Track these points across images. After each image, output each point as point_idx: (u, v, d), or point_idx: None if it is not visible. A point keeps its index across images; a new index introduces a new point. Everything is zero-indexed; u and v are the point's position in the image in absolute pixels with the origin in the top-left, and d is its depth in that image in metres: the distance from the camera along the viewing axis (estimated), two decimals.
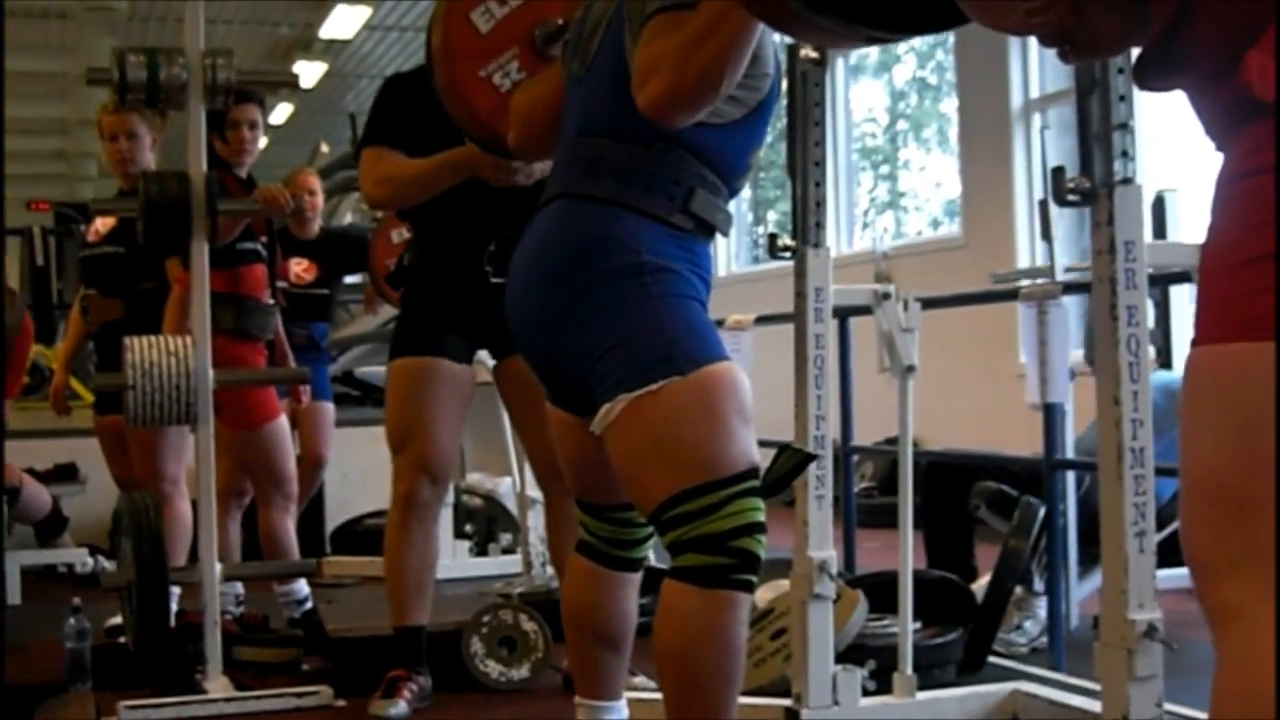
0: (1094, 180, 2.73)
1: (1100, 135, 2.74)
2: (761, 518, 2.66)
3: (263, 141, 5.59)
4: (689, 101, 2.69)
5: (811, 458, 2.85)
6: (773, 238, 3.80)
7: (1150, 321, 2.77)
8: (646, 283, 2.75)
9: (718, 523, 2.62)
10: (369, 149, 4.27)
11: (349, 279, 7.84)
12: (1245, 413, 1.57)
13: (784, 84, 2.92)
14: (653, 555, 3.35)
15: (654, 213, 2.81)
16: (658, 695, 3.96)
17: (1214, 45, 1.62)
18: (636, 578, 3.23)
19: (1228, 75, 1.60)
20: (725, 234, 2.98)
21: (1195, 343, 1.65)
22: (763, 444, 2.90)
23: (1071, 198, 2.73)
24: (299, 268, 6.67)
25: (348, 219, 10.36)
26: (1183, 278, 4.87)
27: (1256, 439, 1.56)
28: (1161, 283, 5.07)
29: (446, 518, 7.22)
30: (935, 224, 12.02)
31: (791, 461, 2.78)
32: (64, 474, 8.33)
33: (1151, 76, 1.72)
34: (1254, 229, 1.59)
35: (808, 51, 3.64)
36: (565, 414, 2.99)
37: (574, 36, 3.01)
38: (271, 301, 5.39)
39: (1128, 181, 2.72)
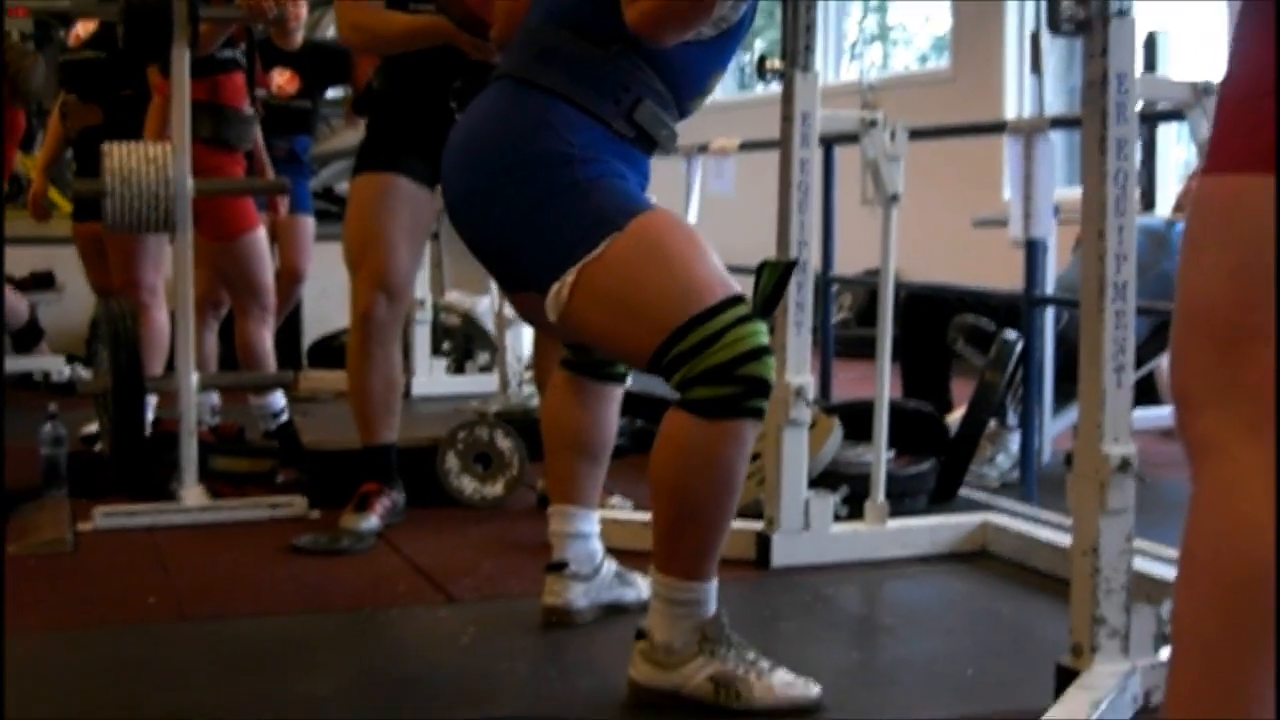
0: (1090, 10, 2.69)
1: None
2: (764, 340, 2.65)
3: None
4: (681, 21, 2.71)
5: (792, 265, 2.84)
6: (762, 59, 3.76)
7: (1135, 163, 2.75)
8: (574, 171, 2.75)
9: (720, 353, 2.61)
10: None
11: (331, 92, 7.75)
12: (1246, 246, 1.55)
13: None
14: (630, 379, 3.35)
15: (597, 112, 2.81)
16: (633, 516, 4.02)
17: None
18: (619, 391, 3.26)
19: None
20: (668, 152, 2.98)
21: (1205, 171, 1.62)
22: (745, 271, 2.90)
23: (1066, 27, 2.69)
24: (281, 79, 6.59)
25: (330, 32, 10.21)
26: (1171, 116, 4.84)
27: (1254, 274, 1.54)
28: (1150, 121, 5.02)
29: (424, 335, 7.24)
30: (923, 59, 11.91)
31: (775, 275, 2.77)
32: (41, 282, 8.31)
33: None
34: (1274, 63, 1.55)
35: None
36: (509, 291, 3.00)
37: None
38: (250, 111, 5.33)
39: (1123, 14, 2.68)
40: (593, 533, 3.33)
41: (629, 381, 3.34)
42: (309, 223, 6.86)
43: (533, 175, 2.76)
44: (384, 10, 4.16)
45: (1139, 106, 2.68)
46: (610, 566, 3.38)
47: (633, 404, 3.33)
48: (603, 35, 2.81)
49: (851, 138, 4.43)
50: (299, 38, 6.54)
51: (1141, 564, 2.98)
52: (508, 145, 2.80)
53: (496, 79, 2.94)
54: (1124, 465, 2.64)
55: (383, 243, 4.15)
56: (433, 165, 4.16)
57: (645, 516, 3.95)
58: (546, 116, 2.79)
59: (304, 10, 5.49)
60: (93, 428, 5.29)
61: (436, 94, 4.05)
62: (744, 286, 2.71)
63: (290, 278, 6.70)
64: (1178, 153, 7.61)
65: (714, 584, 2.77)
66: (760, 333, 2.65)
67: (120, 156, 4.41)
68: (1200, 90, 3.02)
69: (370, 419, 4.25)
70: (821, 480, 4.08)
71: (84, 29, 5.53)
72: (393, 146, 4.21)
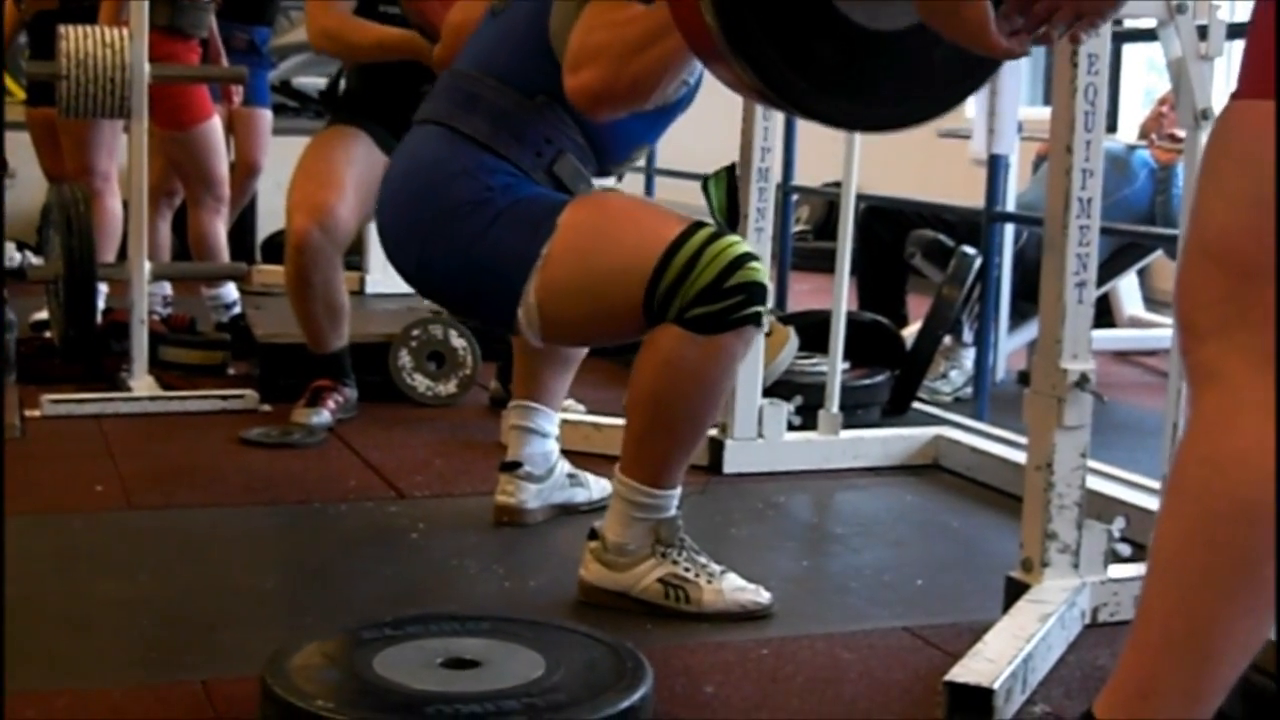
0: None
1: None
2: (744, 247, 2.64)
3: None
4: (618, 101, 2.68)
5: (732, 168, 2.83)
6: None
7: None
8: (494, 206, 2.74)
9: (705, 273, 2.59)
10: None
11: None
12: (1267, 175, 1.50)
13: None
14: None
15: (517, 163, 2.80)
16: (585, 418, 4.02)
17: None
18: None
19: None
20: None
21: (1234, 95, 1.57)
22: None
23: None
24: None
25: None
26: (1139, 36, 4.82)
27: (1273, 208, 1.51)
28: (1117, 40, 5.00)
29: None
30: None
31: (722, 185, 2.77)
32: None
33: None
34: None
35: None
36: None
37: None
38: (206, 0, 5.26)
39: None
40: (551, 433, 3.32)
41: None
42: (266, 115, 6.76)
43: (458, 225, 2.76)
44: (356, 20, 4.18)
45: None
46: (564, 467, 3.37)
47: None
48: (528, 87, 2.81)
49: None
50: None
51: (1094, 482, 2.99)
52: (429, 197, 2.81)
53: (420, 123, 2.94)
54: (1082, 381, 2.64)
55: (328, 178, 4.09)
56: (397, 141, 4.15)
57: (598, 419, 3.95)
58: (466, 166, 2.79)
59: None
60: (42, 314, 5.24)
61: (406, 97, 3.99)
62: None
63: (246, 170, 6.61)
64: (1143, 78, 7.60)
65: (677, 491, 2.76)
66: (737, 241, 2.63)
67: (76, 40, 4.34)
68: (1174, 7, 2.99)
69: (316, 335, 4.22)
70: (776, 389, 4.07)
71: None
72: (361, 110, 4.24)
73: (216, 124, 5.36)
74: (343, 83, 4.54)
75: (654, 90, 2.65)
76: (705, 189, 2.78)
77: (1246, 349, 1.53)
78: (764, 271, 2.66)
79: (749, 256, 2.62)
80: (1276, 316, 1.50)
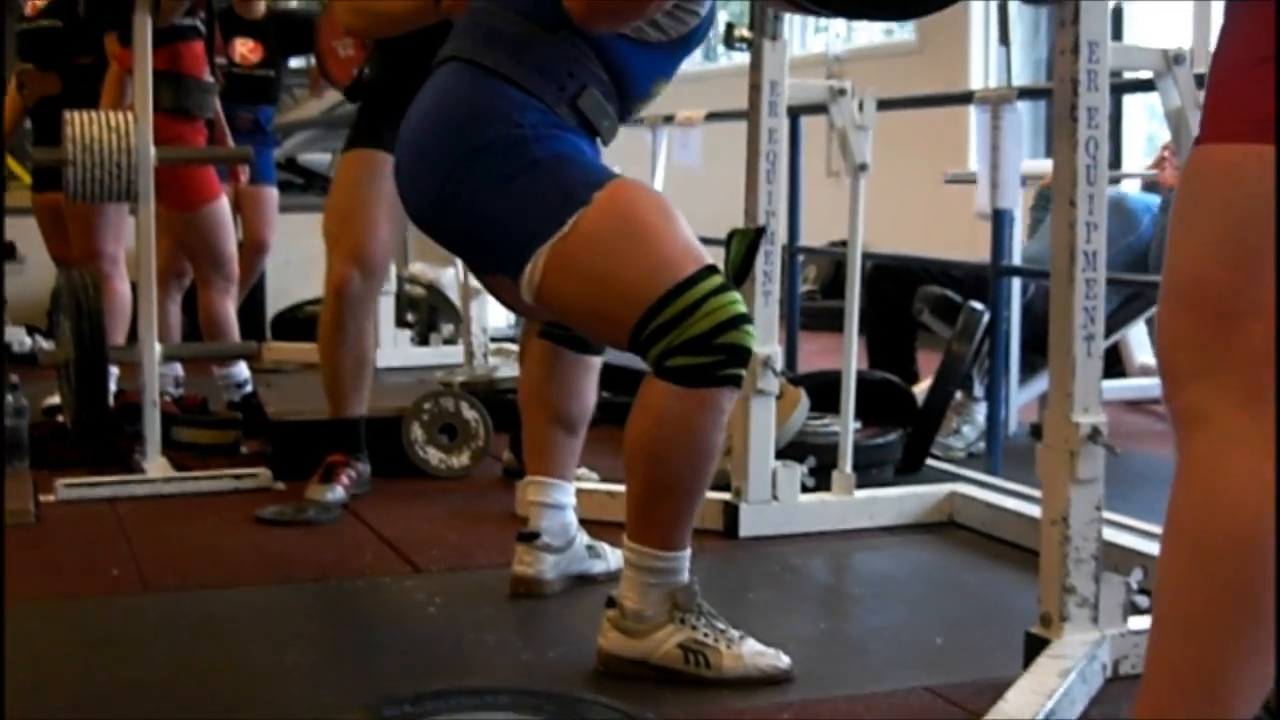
0: None
1: None
2: (742, 309, 2.64)
3: None
4: (612, 13, 2.68)
5: (761, 231, 2.85)
6: (729, 27, 3.75)
7: None
8: (531, 150, 2.73)
9: (700, 323, 2.60)
10: None
11: (294, 62, 7.70)
12: (1237, 216, 1.53)
13: None
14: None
15: (540, 96, 2.77)
16: (599, 486, 4.01)
17: None
18: (597, 362, 3.25)
19: None
20: (606, 143, 2.94)
21: (1198, 141, 1.60)
22: (713, 242, 2.88)
23: None
24: (244, 48, 6.53)
25: (293, 2, 10.16)
26: (1137, 87, 4.83)
27: (1245, 245, 1.53)
28: (1116, 92, 5.00)
29: (389, 307, 7.21)
30: (889, 32, 11.88)
31: (744, 243, 2.77)
32: (1, 253, 8.22)
33: None
34: (1272, 29, 1.53)
35: None
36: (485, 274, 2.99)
37: None
38: (211, 80, 5.29)
39: None
40: (568, 504, 3.31)
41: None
42: (273, 193, 6.81)
43: (490, 162, 2.73)
44: None
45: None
46: (582, 539, 3.37)
47: (600, 376, 3.31)
48: (550, 20, 2.78)
49: (817, 108, 4.41)
50: (261, 6, 6.51)
51: (1110, 534, 2.98)
52: (458, 134, 2.77)
53: (440, 63, 2.92)
54: (1094, 434, 2.64)
55: (362, 218, 4.12)
56: None
57: (611, 487, 3.94)
58: (494, 101, 2.76)
59: None
60: (55, 399, 5.25)
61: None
62: (713, 258, 2.70)
63: (254, 248, 6.65)
64: (1142, 126, 7.62)
65: (687, 553, 2.76)
66: (738, 301, 2.64)
67: (82, 125, 4.36)
68: (1171, 58, 3.01)
69: (339, 393, 4.22)
70: (788, 451, 4.07)
71: None
72: (380, 123, 4.17)
73: (224, 204, 5.38)
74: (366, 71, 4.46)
75: (649, 1, 2.66)
76: (728, 241, 2.79)
77: (1229, 389, 1.54)
78: (753, 336, 2.67)
79: (744, 319, 2.64)
80: (1277, 352, 1.51)
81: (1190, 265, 1.58)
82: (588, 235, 2.67)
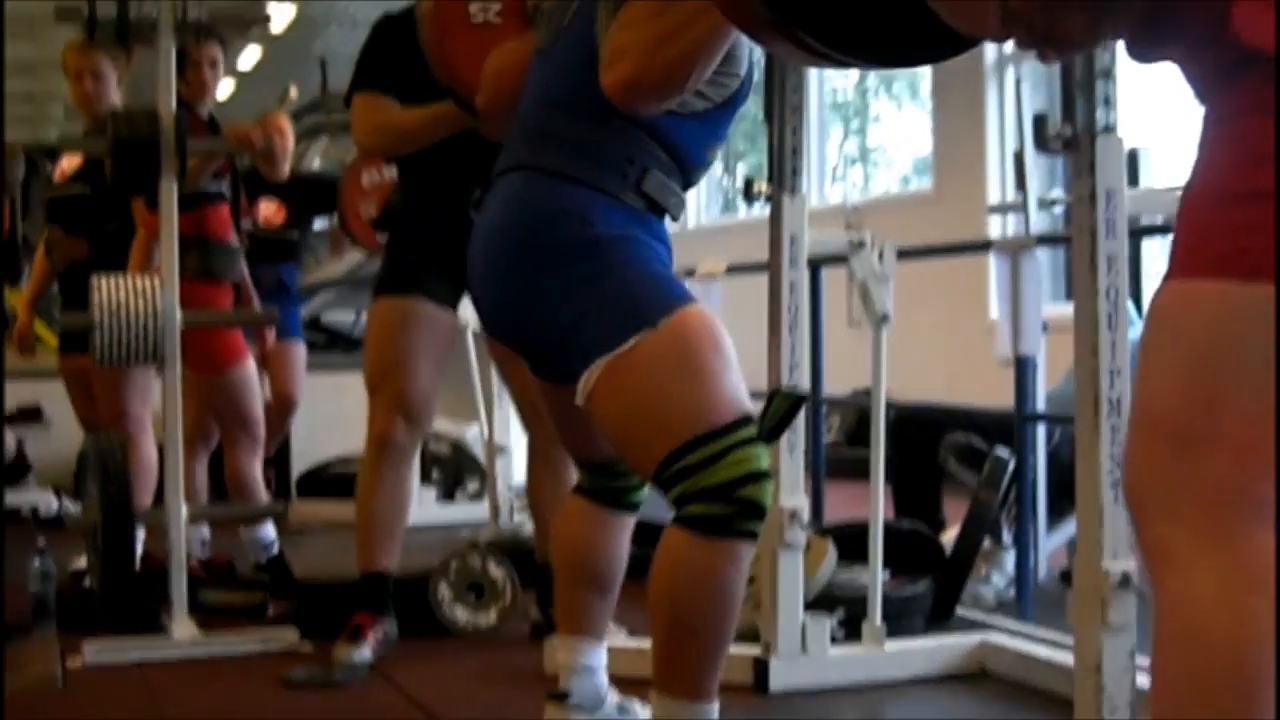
0: (1076, 127, 2.71)
1: (1083, 82, 2.72)
2: (764, 465, 2.65)
3: (226, 83, 5.53)
4: (653, 91, 2.70)
5: (803, 399, 2.84)
6: (749, 182, 3.78)
7: None
8: (605, 253, 2.76)
9: (721, 473, 2.61)
10: (361, 95, 4.23)
11: (317, 224, 7.80)
12: (1201, 351, 1.58)
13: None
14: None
15: (605, 188, 2.80)
16: (628, 643, 3.98)
17: (1200, 14, 1.63)
18: (631, 520, 3.22)
19: (1215, 40, 1.59)
20: (675, 218, 2.98)
21: (1165, 277, 1.65)
22: None
23: (1054, 145, 2.71)
24: (269, 210, 6.62)
25: (315, 164, 10.30)
26: (1157, 230, 4.87)
27: (1209, 379, 1.57)
28: (1134, 236, 5.05)
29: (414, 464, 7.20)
30: (905, 181, 12.00)
31: (785, 405, 2.77)
32: (28, 416, 8.28)
33: (1142, 50, 1.74)
34: (1241, 167, 1.58)
35: None
36: (546, 382, 2.99)
37: (547, 7, 3.00)
38: (237, 243, 5.34)
39: (1110, 129, 2.71)
40: (600, 666, 3.26)
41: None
42: (300, 349, 6.85)
43: (563, 266, 2.76)
44: (400, 108, 4.16)
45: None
46: (613, 699, 3.33)
47: (644, 532, 3.29)
48: (598, 112, 2.79)
49: (837, 259, 4.44)
50: (286, 169, 6.58)
51: (1144, 680, 2.95)
52: (530, 239, 2.80)
53: (500, 174, 2.94)
54: (1124, 581, 2.63)
55: (403, 367, 4.15)
56: (454, 283, 4.15)
57: (640, 643, 3.91)
58: (562, 203, 2.79)
59: (290, 142, 5.53)
60: (83, 562, 5.25)
61: (457, 206, 4.05)
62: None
63: (282, 404, 6.68)
64: (1162, 267, 7.63)
65: (714, 706, 2.73)
66: (761, 456, 2.65)
67: (109, 289, 4.41)
68: None
69: (372, 543, 4.21)
70: (817, 603, 4.05)
71: (69, 164, 5.55)
72: (412, 267, 4.21)
73: (250, 365, 5.41)
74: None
75: (689, 76, 2.65)
76: (769, 399, 2.79)
77: (1193, 530, 1.57)
78: (770, 491, 2.67)
79: (763, 475, 2.65)
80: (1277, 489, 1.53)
81: (1154, 396, 1.63)
82: (645, 359, 2.68)
